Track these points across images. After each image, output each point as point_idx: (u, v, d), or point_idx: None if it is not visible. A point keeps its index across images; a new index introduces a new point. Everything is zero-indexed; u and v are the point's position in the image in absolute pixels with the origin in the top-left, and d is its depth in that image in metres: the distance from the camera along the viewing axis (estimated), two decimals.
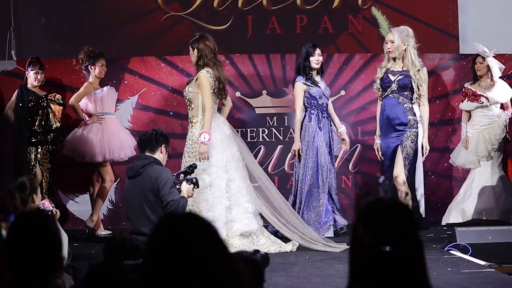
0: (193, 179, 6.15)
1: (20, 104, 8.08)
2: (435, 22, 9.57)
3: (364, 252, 2.15)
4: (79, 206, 8.79)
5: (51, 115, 8.17)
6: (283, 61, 9.20)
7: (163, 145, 6.16)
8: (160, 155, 6.14)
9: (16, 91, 8.17)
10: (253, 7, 9.43)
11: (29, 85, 8.16)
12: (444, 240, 7.46)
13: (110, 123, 8.39)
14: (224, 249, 2.15)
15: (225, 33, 9.59)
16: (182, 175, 6.21)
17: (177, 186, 6.04)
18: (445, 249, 7.03)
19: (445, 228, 7.96)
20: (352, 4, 9.53)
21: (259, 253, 2.97)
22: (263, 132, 9.16)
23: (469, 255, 6.79)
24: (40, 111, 8.13)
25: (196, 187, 6.17)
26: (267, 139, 9.12)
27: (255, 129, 9.14)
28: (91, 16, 9.35)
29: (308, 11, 9.35)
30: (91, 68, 8.28)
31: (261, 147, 9.14)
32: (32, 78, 8.15)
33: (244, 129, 9.11)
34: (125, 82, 9.06)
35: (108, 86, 8.53)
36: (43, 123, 8.14)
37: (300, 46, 8.22)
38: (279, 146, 9.12)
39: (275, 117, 9.15)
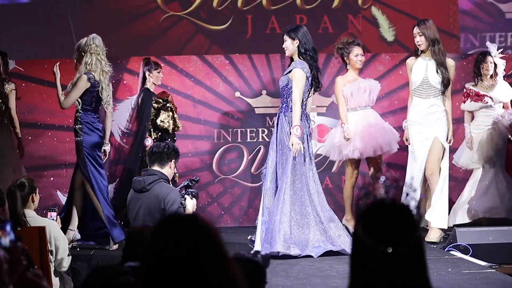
0: (193, 192, 6.12)
1: (155, 105, 8.09)
2: (435, 22, 9.53)
3: (364, 252, 2.14)
4: None
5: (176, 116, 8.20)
6: (283, 61, 9.18)
7: (173, 160, 6.11)
8: (169, 170, 6.09)
9: (143, 93, 8.10)
10: (252, 7, 9.42)
11: (148, 85, 8.13)
12: (444, 240, 7.44)
13: (370, 117, 8.13)
14: (223, 252, 2.15)
15: (224, 33, 9.58)
16: (184, 189, 6.16)
17: (182, 201, 6.01)
18: (446, 249, 7.02)
19: (445, 228, 7.92)
20: (352, 4, 9.52)
21: (259, 254, 2.96)
22: (263, 132, 9.14)
23: (469, 256, 6.78)
24: (171, 113, 8.10)
25: (196, 200, 6.16)
26: (267, 139, 9.09)
27: (254, 129, 9.13)
28: (91, 16, 9.33)
29: (308, 11, 9.33)
30: (346, 58, 8.09)
31: (260, 147, 9.13)
32: (158, 78, 8.18)
33: (244, 129, 9.10)
34: (125, 82, 9.04)
35: (371, 79, 8.29)
36: (173, 124, 8.12)
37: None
38: None
39: (275, 117, 9.11)
